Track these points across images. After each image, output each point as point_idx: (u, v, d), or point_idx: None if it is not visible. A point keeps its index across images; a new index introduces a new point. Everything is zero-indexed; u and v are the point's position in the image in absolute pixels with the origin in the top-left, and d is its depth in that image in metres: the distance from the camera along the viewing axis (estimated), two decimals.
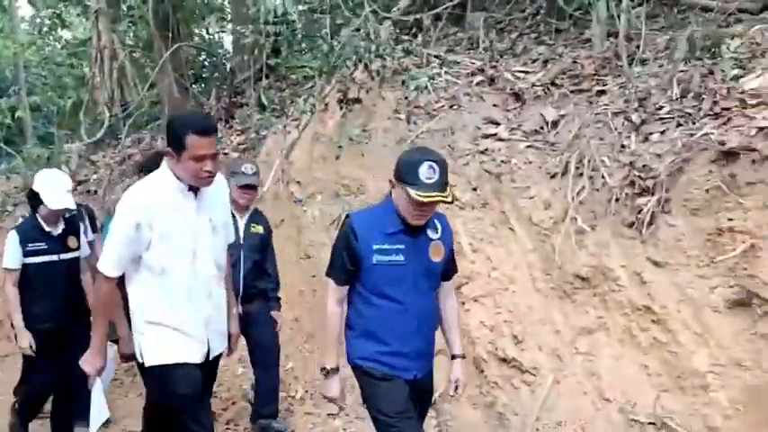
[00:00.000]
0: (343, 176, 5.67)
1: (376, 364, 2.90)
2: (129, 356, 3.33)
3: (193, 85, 10.59)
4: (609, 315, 3.85)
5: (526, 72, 5.52)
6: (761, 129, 3.61)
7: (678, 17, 5.53)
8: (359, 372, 2.97)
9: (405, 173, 2.74)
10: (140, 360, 3.02)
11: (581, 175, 4.20)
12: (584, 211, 4.08)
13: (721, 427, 3.29)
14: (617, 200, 3.96)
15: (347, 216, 2.96)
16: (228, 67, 9.91)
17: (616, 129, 4.25)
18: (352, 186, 5.51)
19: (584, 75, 5.12)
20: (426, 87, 5.33)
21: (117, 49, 10.24)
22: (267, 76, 8.36)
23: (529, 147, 4.69)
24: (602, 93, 4.76)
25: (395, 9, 6.31)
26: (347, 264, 2.87)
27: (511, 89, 5.23)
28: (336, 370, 3.00)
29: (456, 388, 3.11)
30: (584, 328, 3.95)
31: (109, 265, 2.88)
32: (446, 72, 5.58)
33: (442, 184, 2.72)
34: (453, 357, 3.12)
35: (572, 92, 4.98)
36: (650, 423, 3.49)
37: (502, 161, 4.67)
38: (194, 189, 2.91)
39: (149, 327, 2.95)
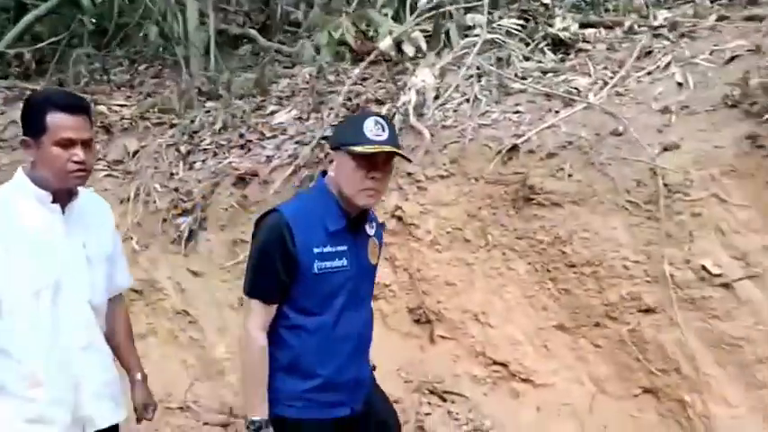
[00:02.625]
0: None
1: (303, 408, 2.24)
2: None
3: None
4: (157, 321, 4.44)
5: (122, 105, 5.98)
6: (268, 157, 4.47)
7: (259, 59, 6.37)
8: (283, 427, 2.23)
9: (346, 133, 2.15)
10: None
11: (139, 200, 4.76)
12: (141, 232, 4.64)
13: (232, 403, 4.03)
14: (164, 220, 4.57)
15: (274, 210, 2.20)
16: None
17: (168, 159, 4.88)
18: None
19: (168, 109, 5.71)
20: (14, 121, 5.52)
21: None
22: None
23: (108, 176, 5.14)
24: (173, 126, 5.38)
25: None
26: (281, 274, 2.13)
27: (102, 123, 5.64)
28: (269, 423, 2.20)
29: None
30: (137, 334, 4.45)
31: None
32: None
33: (395, 142, 2.16)
34: None
35: (155, 124, 5.54)
36: (179, 408, 4.12)
37: None
38: (61, 201, 2.16)
39: None
